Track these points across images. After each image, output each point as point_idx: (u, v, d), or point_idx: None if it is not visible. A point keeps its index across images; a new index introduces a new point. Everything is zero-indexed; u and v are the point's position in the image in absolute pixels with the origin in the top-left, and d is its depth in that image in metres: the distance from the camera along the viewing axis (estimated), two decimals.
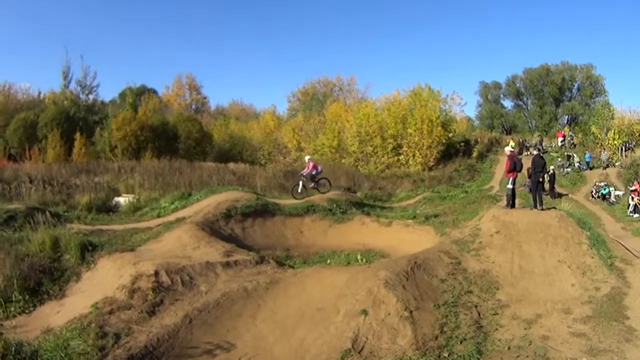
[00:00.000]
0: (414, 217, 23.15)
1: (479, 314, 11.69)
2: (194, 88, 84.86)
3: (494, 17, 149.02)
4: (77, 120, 55.75)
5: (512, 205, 18.69)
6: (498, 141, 55.79)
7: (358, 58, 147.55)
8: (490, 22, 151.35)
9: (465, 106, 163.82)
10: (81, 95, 61.27)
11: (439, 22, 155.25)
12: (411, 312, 11.17)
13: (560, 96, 72.00)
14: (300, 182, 26.58)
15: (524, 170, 22.40)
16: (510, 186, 19.11)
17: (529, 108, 75.78)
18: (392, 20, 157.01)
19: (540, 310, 11.97)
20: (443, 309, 11.60)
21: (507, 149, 20.39)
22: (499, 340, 10.69)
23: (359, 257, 18.79)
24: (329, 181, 28.21)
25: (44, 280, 16.19)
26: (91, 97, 62.35)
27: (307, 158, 28.09)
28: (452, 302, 11.91)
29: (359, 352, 10.34)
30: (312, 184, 26.77)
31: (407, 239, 20.33)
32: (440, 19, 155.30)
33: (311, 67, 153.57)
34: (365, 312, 11.32)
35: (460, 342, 10.39)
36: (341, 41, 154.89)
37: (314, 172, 26.77)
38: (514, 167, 19.00)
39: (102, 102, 67.22)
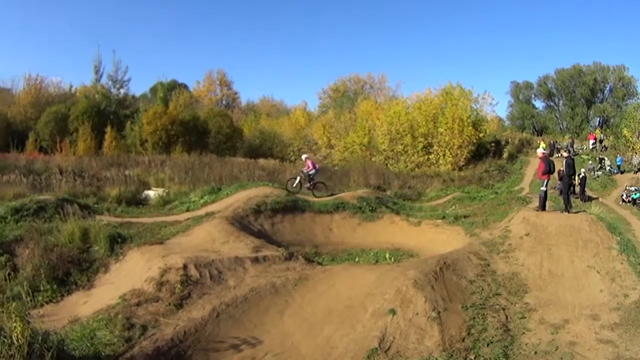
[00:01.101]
0: (444, 217, 22.96)
1: (507, 317, 11.61)
2: (225, 84, 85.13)
3: (527, 16, 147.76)
4: (108, 114, 56.48)
5: (544, 208, 18.58)
6: (529, 142, 55.21)
7: (389, 56, 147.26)
8: (522, 21, 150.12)
9: (497, 106, 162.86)
10: (112, 89, 61.55)
11: (471, 21, 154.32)
12: (439, 312, 11.12)
13: (592, 97, 71.33)
14: (298, 178, 26.49)
15: (555, 173, 22.20)
16: (543, 188, 18.97)
17: (560, 109, 75.10)
18: (423, 18, 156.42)
19: (568, 316, 11.83)
20: (471, 311, 11.54)
21: (540, 151, 20.23)
22: (526, 344, 10.60)
23: (387, 256, 18.72)
24: (325, 185, 28.05)
25: (73, 271, 16.44)
26: (122, 91, 62.63)
27: (304, 157, 27.92)
28: (480, 304, 11.86)
29: (385, 352, 10.29)
30: (308, 184, 26.57)
31: (437, 239, 20.17)
32: (473, 18, 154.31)
33: (342, 64, 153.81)
34: (393, 312, 11.27)
35: (487, 345, 10.34)
36: (372, 39, 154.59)
37: (312, 171, 26.59)
38: (549, 169, 18.88)
39: (133, 97, 67.75)
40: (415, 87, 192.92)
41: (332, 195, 26.62)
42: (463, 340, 10.44)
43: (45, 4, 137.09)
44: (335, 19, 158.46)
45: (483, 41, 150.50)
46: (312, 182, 26.53)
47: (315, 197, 25.75)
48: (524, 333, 10.97)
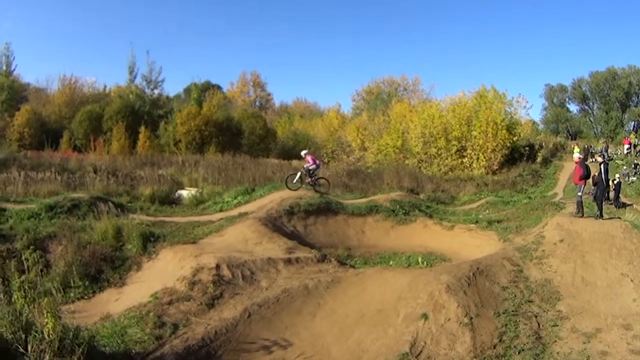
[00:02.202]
0: (477, 221, 22.86)
1: (539, 325, 11.50)
2: (259, 85, 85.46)
3: (561, 18, 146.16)
4: (141, 114, 57.28)
5: (583, 214, 18.48)
6: (563, 146, 54.48)
7: (423, 58, 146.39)
8: (557, 22, 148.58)
9: (531, 109, 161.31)
10: (146, 90, 62.38)
11: (505, 23, 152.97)
12: (471, 318, 11.10)
13: (627, 101, 70.37)
14: (298, 174, 26.14)
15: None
16: (581, 194, 18.88)
17: (594, 113, 74.17)
18: (457, 20, 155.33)
19: (600, 325, 11.66)
20: (503, 317, 11.48)
21: (577, 156, 20.18)
22: (557, 353, 10.50)
23: (420, 259, 18.68)
24: (328, 181, 27.77)
25: (105, 268, 16.75)
26: (156, 91, 63.45)
27: (303, 153, 27.50)
28: (513, 311, 11.79)
29: (416, 357, 10.30)
30: (309, 180, 26.15)
31: (470, 243, 20.10)
32: (507, 20, 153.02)
33: (376, 66, 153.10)
34: (425, 316, 11.27)
35: (519, 353, 10.27)
36: (406, 40, 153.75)
37: (312, 167, 26.08)
38: (587, 174, 18.78)
39: (167, 97, 68.50)
40: (449, 89, 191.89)
41: (364, 197, 26.62)
42: (494, 347, 10.41)
43: (79, 5, 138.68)
44: (369, 21, 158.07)
45: (517, 43, 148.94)
46: (313, 178, 26.23)
47: (319, 192, 25.66)
48: (555, 341, 10.86)
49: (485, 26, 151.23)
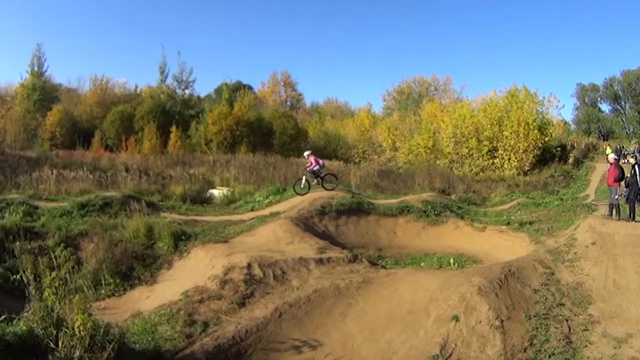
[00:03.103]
0: (508, 223, 22.72)
1: (570, 329, 11.35)
2: (289, 85, 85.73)
3: (593, 16, 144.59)
4: (173, 114, 58.20)
5: (620, 216, 18.36)
6: (595, 147, 53.95)
7: (454, 57, 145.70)
8: (588, 21, 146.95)
9: (563, 109, 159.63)
10: (177, 90, 63.59)
11: (536, 21, 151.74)
12: (502, 321, 11.04)
13: None
14: (304, 178, 26.01)
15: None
16: (616, 196, 18.75)
17: (626, 112, 73.27)
18: (487, 19, 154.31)
19: (632, 330, 11.45)
20: (534, 321, 11.35)
21: (612, 157, 19.99)
22: (588, 357, 10.35)
23: (451, 261, 18.65)
24: (335, 176, 27.67)
25: (136, 266, 17.05)
26: (187, 91, 64.67)
27: (306, 154, 27.42)
28: (544, 314, 11.66)
29: (446, 359, 10.28)
30: (316, 181, 26.10)
31: (501, 245, 20.01)
32: (538, 18, 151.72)
33: (406, 65, 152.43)
34: (456, 318, 11.24)
35: (549, 357, 10.17)
36: (437, 40, 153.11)
37: (315, 168, 25.99)
38: (622, 176, 18.68)
39: (198, 97, 69.33)
40: (480, 89, 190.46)
41: (395, 197, 26.63)
42: (525, 351, 10.32)
43: (111, 6, 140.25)
44: (400, 20, 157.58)
45: (549, 42, 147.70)
46: (319, 177, 26.16)
47: (327, 189, 25.63)
48: (586, 346, 10.74)
49: (517, 25, 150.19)
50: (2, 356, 7.68)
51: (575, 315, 11.88)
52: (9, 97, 61.13)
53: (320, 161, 26.74)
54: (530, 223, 22.05)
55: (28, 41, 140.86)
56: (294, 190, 25.60)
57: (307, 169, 26.15)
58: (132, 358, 9.48)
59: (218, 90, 75.97)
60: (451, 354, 10.40)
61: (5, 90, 68.01)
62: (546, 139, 46.81)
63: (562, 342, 10.57)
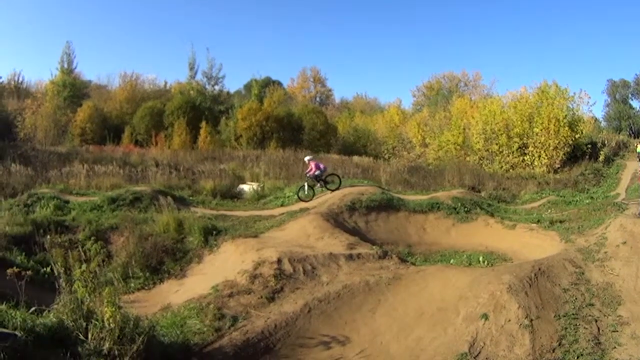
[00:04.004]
0: (539, 221, 22.59)
1: (599, 330, 11.25)
2: (319, 81, 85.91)
3: (623, 11, 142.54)
4: (202, 110, 58.58)
5: None
6: (625, 145, 53.20)
7: (483, 53, 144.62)
8: (619, 16, 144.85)
9: (594, 106, 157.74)
10: (207, 86, 63.96)
11: (566, 17, 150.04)
12: (531, 320, 10.99)
13: None
14: (306, 184, 25.96)
15: None
16: None
17: None
18: (517, 14, 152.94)
19: None
20: (563, 321, 11.28)
21: None
22: (616, 359, 10.27)
23: (481, 259, 18.78)
24: (338, 177, 27.44)
25: (166, 260, 17.50)
26: (217, 87, 65.02)
27: (306, 159, 27.60)
28: (573, 314, 11.58)
29: (474, 357, 10.30)
30: (319, 184, 26.11)
31: (531, 243, 19.87)
32: (568, 14, 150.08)
33: (436, 61, 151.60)
34: (485, 316, 11.24)
35: (577, 358, 10.13)
36: (467, 35, 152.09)
37: (317, 173, 26.06)
38: None
39: (228, 93, 69.67)
40: (510, 85, 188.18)
41: (425, 194, 26.61)
42: (553, 351, 10.28)
43: (139, 3, 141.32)
44: (429, 15, 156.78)
45: (579, 37, 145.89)
46: (321, 181, 26.14)
47: (331, 190, 25.62)
48: (615, 347, 10.63)
49: (547, 20, 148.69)
50: (32, 347, 7.84)
51: (605, 315, 11.77)
52: (39, 94, 62.25)
53: (321, 165, 26.86)
54: (560, 221, 21.89)
55: (58, 39, 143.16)
56: (298, 197, 25.56)
57: (308, 175, 26.22)
58: (161, 351, 9.69)
59: (247, 86, 76.39)
60: (479, 353, 10.42)
61: (35, 87, 69.43)
62: (576, 136, 46.19)
63: (590, 343, 10.51)
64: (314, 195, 25.54)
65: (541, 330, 10.81)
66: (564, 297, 12.41)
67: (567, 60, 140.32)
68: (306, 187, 25.76)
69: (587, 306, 12.07)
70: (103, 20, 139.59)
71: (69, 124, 56.39)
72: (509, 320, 11.10)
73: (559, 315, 11.43)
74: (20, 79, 69.55)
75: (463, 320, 11.50)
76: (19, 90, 65.89)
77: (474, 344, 10.64)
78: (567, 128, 44.93)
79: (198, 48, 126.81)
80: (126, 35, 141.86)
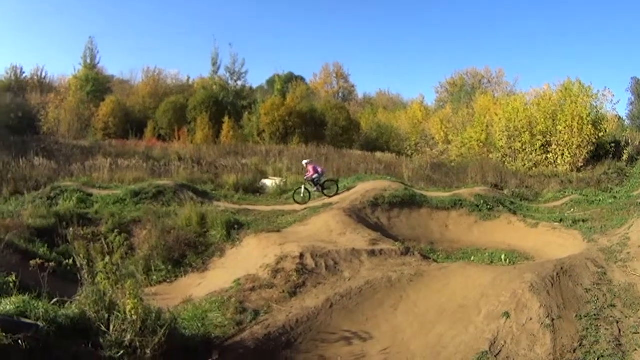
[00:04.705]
0: (561, 220, 22.57)
1: (620, 331, 11.08)
2: (342, 76, 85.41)
3: None
4: (225, 105, 59.14)
5: None
6: None
7: (507, 49, 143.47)
8: None
9: (618, 104, 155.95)
10: (230, 81, 64.16)
11: (590, 13, 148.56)
12: (553, 320, 10.93)
13: None
14: (303, 187, 26.02)
15: None
16: None
17: None
18: (540, 11, 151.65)
19: None
20: (584, 321, 11.17)
21: None
22: None
23: (503, 257, 18.79)
24: (336, 183, 27.22)
25: (188, 253, 17.77)
26: (240, 83, 65.10)
27: (304, 162, 27.70)
28: (594, 315, 11.45)
29: (495, 356, 10.26)
30: (316, 188, 26.13)
31: (553, 242, 19.84)
32: (592, 10, 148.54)
33: (459, 57, 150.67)
34: (507, 315, 11.20)
35: (598, 359, 10.02)
36: (490, 31, 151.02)
37: (315, 176, 26.13)
38: None
39: (251, 88, 69.96)
40: (534, 82, 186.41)
41: (448, 191, 26.57)
42: (574, 352, 10.20)
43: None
44: (452, 11, 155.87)
45: (603, 34, 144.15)
46: (318, 185, 26.17)
47: (328, 196, 25.52)
48: (635, 350, 10.46)
49: (570, 17, 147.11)
50: (54, 337, 8.03)
51: (626, 317, 11.64)
52: (62, 89, 63.05)
53: (319, 169, 26.98)
54: (583, 221, 21.83)
55: (80, 34, 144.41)
56: (294, 199, 25.60)
57: (306, 178, 26.32)
58: (183, 343, 9.80)
59: (270, 82, 76.78)
60: (500, 351, 10.39)
61: (58, 82, 70.07)
62: (600, 134, 45.61)
63: (611, 345, 10.41)
64: (309, 199, 25.64)
65: (562, 330, 10.75)
66: (586, 297, 12.33)
67: (591, 58, 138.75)
68: (302, 190, 25.89)
69: (609, 307, 11.95)
70: (126, 16, 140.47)
71: (92, 118, 57.15)
72: (531, 319, 11.03)
73: (580, 316, 11.35)
74: (43, 74, 70.38)
75: (484, 319, 11.47)
76: (42, 85, 66.57)
77: (494, 342, 10.61)
78: (590, 126, 44.55)
79: (221, 43, 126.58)
80: (149, 31, 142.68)
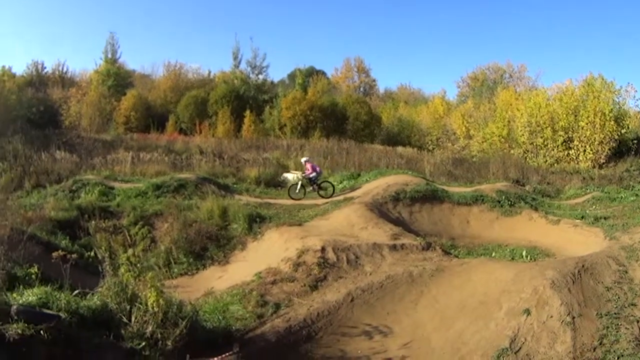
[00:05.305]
0: (583, 217, 22.47)
1: None
2: (363, 71, 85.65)
3: None
4: (246, 99, 59.40)
5: None
6: None
7: (529, 44, 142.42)
8: None
9: None
10: (251, 75, 64.48)
11: (612, 8, 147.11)
12: (573, 318, 10.94)
13: None
14: (299, 183, 26.01)
15: None
16: None
17: None
18: (562, 5, 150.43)
19: None
20: (605, 319, 11.11)
21: None
22: None
23: (524, 253, 18.71)
24: (332, 185, 27.04)
25: (209, 246, 17.94)
26: (261, 77, 65.39)
27: (303, 160, 27.65)
28: (615, 314, 11.39)
29: (515, 353, 10.29)
30: (312, 187, 26.10)
31: (574, 239, 19.76)
32: (615, 5, 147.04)
33: (481, 51, 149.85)
34: (527, 312, 11.22)
35: (618, 358, 9.98)
36: (511, 26, 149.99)
37: (312, 175, 26.09)
38: None
39: (272, 82, 69.90)
40: (556, 77, 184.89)
41: (469, 186, 26.56)
42: (594, 350, 10.18)
43: None
44: (474, 4, 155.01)
45: (626, 29, 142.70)
46: (315, 184, 26.15)
47: (323, 197, 25.39)
48: None
49: (593, 11, 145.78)
50: (76, 328, 8.23)
51: None
52: (84, 83, 63.82)
53: (318, 168, 26.96)
54: (605, 218, 21.74)
55: (101, 30, 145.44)
56: (289, 194, 25.67)
57: (304, 175, 26.32)
58: (204, 335, 9.97)
59: (291, 76, 76.83)
60: (520, 348, 10.42)
61: (80, 77, 71.01)
62: (622, 130, 45.41)
63: (631, 344, 10.36)
64: (304, 195, 25.70)
65: (583, 328, 10.75)
66: (607, 295, 12.29)
67: (614, 53, 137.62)
68: (298, 187, 25.95)
69: (630, 306, 11.91)
70: (147, 11, 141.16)
71: (114, 113, 57.74)
72: (551, 317, 11.04)
73: (600, 314, 11.32)
74: (65, 69, 71.20)
75: (505, 315, 11.49)
76: (63, 80, 67.18)
77: (515, 339, 10.65)
78: (612, 122, 44.25)
79: (242, 37, 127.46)
80: (170, 25, 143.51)
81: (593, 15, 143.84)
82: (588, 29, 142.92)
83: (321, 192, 25.99)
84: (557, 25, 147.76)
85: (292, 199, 25.09)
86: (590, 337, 10.55)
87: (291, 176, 29.47)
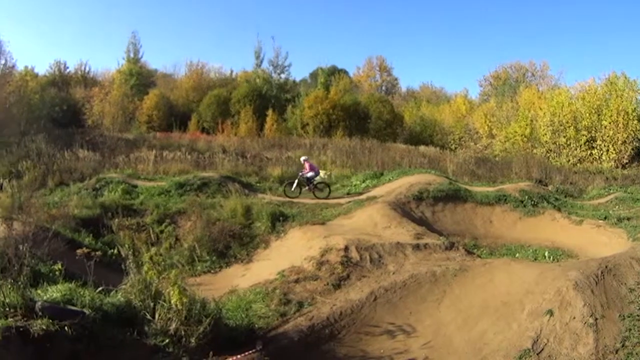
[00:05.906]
0: (606, 217, 22.40)
1: None
2: (385, 69, 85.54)
3: None
4: (269, 98, 59.87)
5: None
6: None
7: (551, 42, 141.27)
8: None
9: None
10: (273, 74, 64.96)
11: (635, 6, 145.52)
12: (596, 319, 10.83)
13: None
14: (295, 181, 25.95)
15: None
16: None
17: None
18: (585, 4, 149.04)
19: None
20: (627, 321, 10.98)
21: None
22: None
23: (546, 254, 18.72)
24: (328, 187, 27.02)
25: (233, 245, 18.06)
26: (283, 76, 66.02)
27: (302, 159, 27.46)
28: (638, 315, 11.22)
29: (537, 354, 10.25)
30: (308, 187, 25.98)
31: (597, 240, 19.74)
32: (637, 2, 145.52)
33: (503, 50, 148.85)
34: (550, 313, 11.16)
35: None
36: (534, 24, 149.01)
37: (309, 174, 25.97)
38: None
39: (294, 81, 70.27)
40: (579, 75, 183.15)
41: (492, 186, 26.55)
42: (616, 352, 10.09)
43: None
44: (496, 3, 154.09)
45: None
46: (311, 184, 26.05)
47: (318, 198, 25.28)
48: None
49: (615, 9, 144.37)
50: (100, 324, 8.38)
51: None
52: (106, 82, 64.52)
53: (316, 168, 27.08)
54: (628, 219, 21.68)
55: (124, 29, 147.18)
56: (284, 192, 25.65)
57: (302, 174, 26.27)
58: (227, 333, 10.09)
59: (313, 75, 76.87)
60: (542, 350, 10.38)
61: (102, 77, 71.66)
62: None
63: None
64: (300, 194, 25.71)
65: (605, 330, 10.67)
66: (630, 297, 12.15)
67: (637, 51, 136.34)
68: (294, 185, 25.96)
69: None
70: (169, 10, 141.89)
71: (136, 112, 58.54)
72: (574, 318, 10.96)
73: (623, 316, 11.22)
74: (87, 69, 72.18)
75: (527, 316, 11.46)
76: (85, 80, 68.16)
77: (537, 340, 10.60)
78: (636, 121, 44.04)
79: (264, 37, 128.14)
80: (192, 25, 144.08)
81: (616, 13, 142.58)
82: (611, 27, 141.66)
83: (317, 193, 26.01)
84: (580, 23, 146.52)
85: (288, 197, 25.05)
86: (613, 339, 10.46)
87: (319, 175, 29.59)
